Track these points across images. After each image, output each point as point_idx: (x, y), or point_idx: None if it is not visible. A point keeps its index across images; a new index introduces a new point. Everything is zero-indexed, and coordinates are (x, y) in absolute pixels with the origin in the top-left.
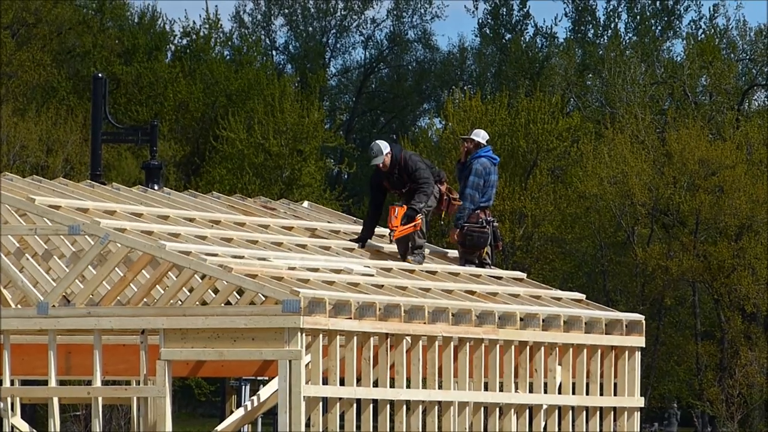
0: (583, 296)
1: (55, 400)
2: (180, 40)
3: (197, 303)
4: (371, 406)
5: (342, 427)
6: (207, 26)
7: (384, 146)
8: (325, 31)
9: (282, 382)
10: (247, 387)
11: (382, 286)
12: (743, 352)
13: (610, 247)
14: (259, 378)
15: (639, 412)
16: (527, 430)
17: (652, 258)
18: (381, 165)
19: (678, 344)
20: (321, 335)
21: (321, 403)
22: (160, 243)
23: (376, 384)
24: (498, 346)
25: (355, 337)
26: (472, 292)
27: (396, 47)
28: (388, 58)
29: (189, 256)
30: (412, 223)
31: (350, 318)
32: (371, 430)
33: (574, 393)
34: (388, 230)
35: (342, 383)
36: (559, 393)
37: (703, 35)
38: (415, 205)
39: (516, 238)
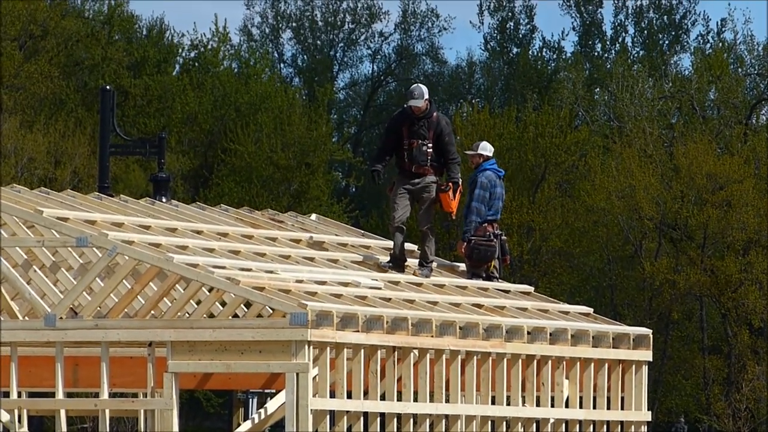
0: (590, 310)
1: (63, 413)
2: (188, 53)
3: (205, 315)
4: (378, 419)
5: None
6: (215, 39)
7: (425, 91)
8: (333, 45)
9: (289, 394)
10: (255, 400)
11: (390, 299)
12: (750, 366)
13: (618, 261)
14: (266, 391)
15: (646, 427)
16: None
17: (660, 272)
18: (417, 108)
19: (685, 358)
20: (328, 348)
21: (328, 417)
22: (168, 255)
23: (383, 397)
24: (505, 359)
25: (362, 350)
26: (479, 306)
27: (404, 61)
28: (395, 71)
29: (197, 268)
30: (459, 190)
31: (358, 331)
32: None
33: (581, 407)
34: (448, 213)
35: (349, 396)
36: (567, 407)
37: (710, 50)
38: (455, 177)
39: (524, 251)
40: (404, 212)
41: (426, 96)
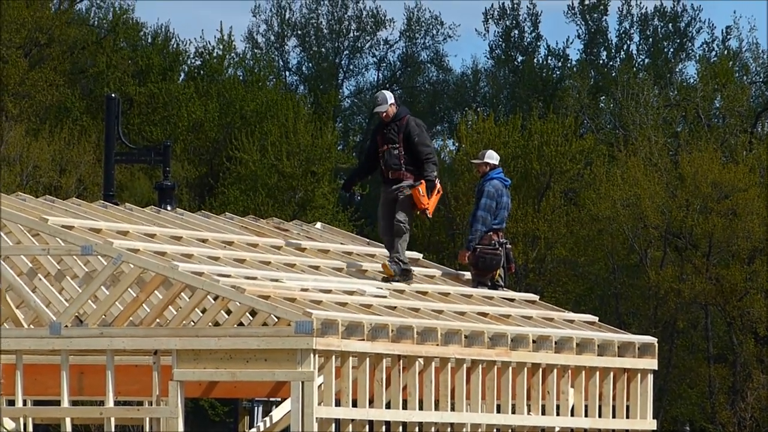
0: (595, 319)
1: (68, 421)
2: (194, 61)
3: (210, 324)
4: (384, 427)
5: None
6: (221, 47)
7: (389, 96)
8: (338, 52)
9: (294, 403)
10: (260, 408)
11: (395, 307)
12: (756, 375)
13: (623, 269)
14: (271, 399)
15: None
16: None
17: (665, 281)
18: (384, 114)
19: (690, 367)
20: (333, 356)
21: (333, 425)
22: (173, 264)
23: (388, 406)
24: (510, 368)
25: (367, 359)
26: (484, 314)
27: (409, 68)
28: (401, 79)
29: (202, 276)
30: (435, 189)
31: (363, 339)
32: None
33: (586, 415)
34: (421, 211)
35: (354, 405)
36: (572, 415)
37: (716, 57)
38: (429, 175)
39: (529, 260)
40: (388, 224)
41: (390, 101)
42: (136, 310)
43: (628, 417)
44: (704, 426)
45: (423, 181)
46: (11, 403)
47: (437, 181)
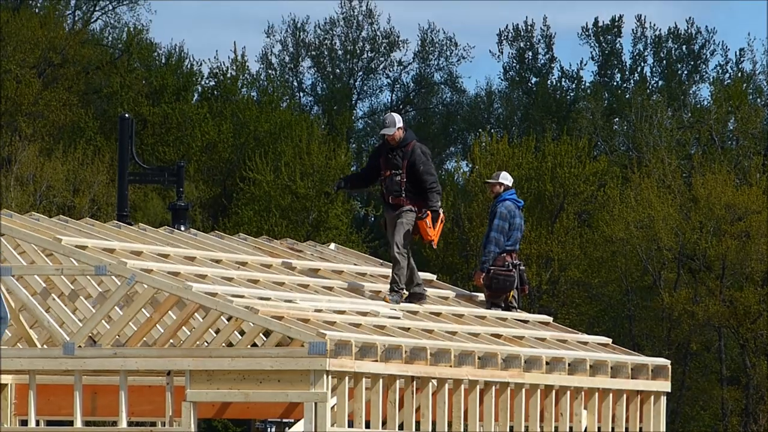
0: (609, 340)
1: None
2: (207, 81)
3: (223, 344)
4: None
5: None
6: (234, 67)
7: (398, 120)
8: (352, 73)
9: (308, 424)
10: (273, 429)
11: (409, 329)
12: None
13: (637, 291)
14: (284, 420)
15: None
16: None
17: (678, 303)
18: (390, 137)
19: (703, 389)
20: (347, 378)
21: None
22: (187, 284)
23: (401, 427)
24: (524, 389)
25: (381, 380)
26: (498, 336)
27: (422, 90)
28: (414, 100)
29: (215, 297)
30: (440, 219)
31: (376, 360)
32: None
33: None
34: (428, 242)
35: (368, 426)
36: None
37: (729, 80)
38: (434, 205)
39: (542, 282)
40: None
41: (399, 124)
42: (150, 331)
43: None
44: None
45: (429, 212)
46: (24, 423)
47: (441, 211)
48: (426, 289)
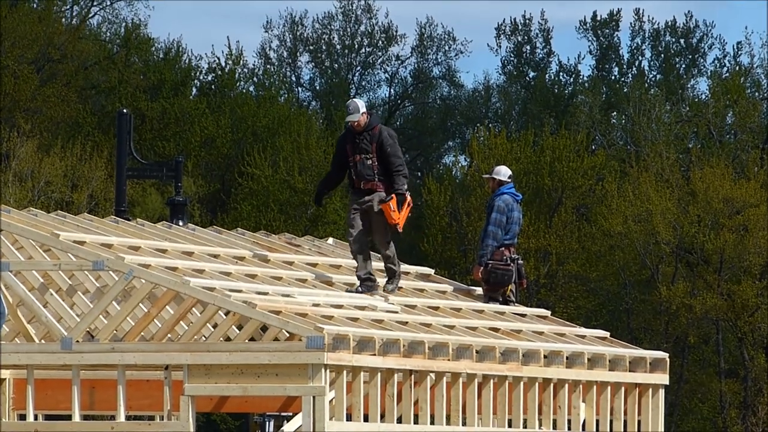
0: (607, 334)
1: None
2: (205, 76)
3: (221, 339)
4: None
5: None
6: (231, 62)
7: (361, 105)
8: (351, 68)
9: (306, 418)
10: (271, 423)
11: (407, 322)
12: (767, 390)
13: (635, 285)
14: (282, 414)
15: None
16: None
17: (676, 296)
18: (355, 124)
19: (702, 382)
20: (345, 371)
21: None
22: (185, 279)
23: (399, 420)
24: (522, 383)
25: (379, 374)
26: (496, 330)
27: (420, 84)
28: (412, 95)
29: (213, 292)
30: (406, 203)
31: (374, 354)
32: None
33: (597, 430)
34: (393, 226)
35: (366, 419)
36: (583, 430)
37: (727, 73)
38: (400, 189)
39: (540, 275)
40: (358, 231)
41: (362, 110)
42: (148, 325)
43: None
44: None
45: (394, 195)
46: (23, 417)
47: (407, 194)
48: (379, 283)
